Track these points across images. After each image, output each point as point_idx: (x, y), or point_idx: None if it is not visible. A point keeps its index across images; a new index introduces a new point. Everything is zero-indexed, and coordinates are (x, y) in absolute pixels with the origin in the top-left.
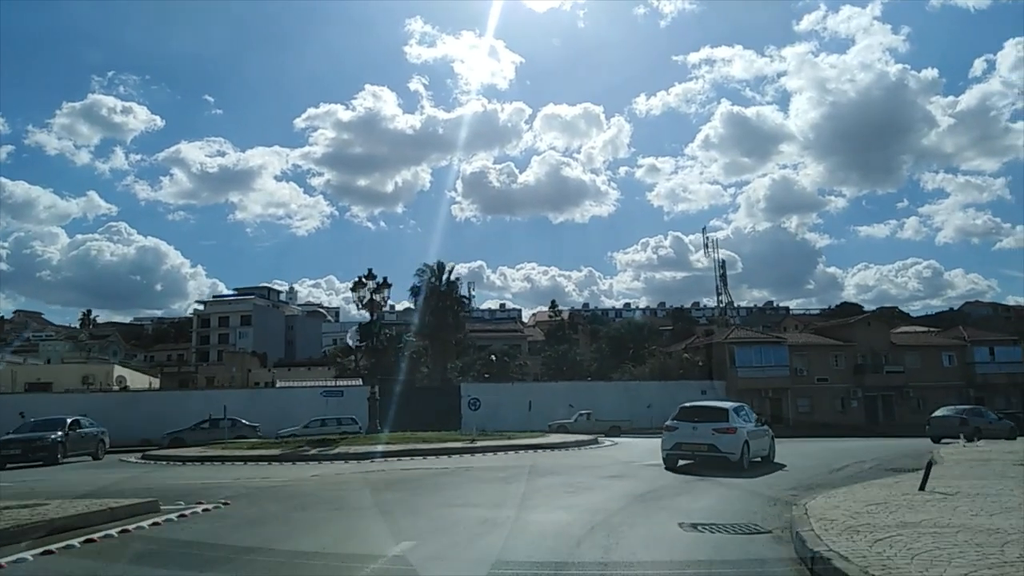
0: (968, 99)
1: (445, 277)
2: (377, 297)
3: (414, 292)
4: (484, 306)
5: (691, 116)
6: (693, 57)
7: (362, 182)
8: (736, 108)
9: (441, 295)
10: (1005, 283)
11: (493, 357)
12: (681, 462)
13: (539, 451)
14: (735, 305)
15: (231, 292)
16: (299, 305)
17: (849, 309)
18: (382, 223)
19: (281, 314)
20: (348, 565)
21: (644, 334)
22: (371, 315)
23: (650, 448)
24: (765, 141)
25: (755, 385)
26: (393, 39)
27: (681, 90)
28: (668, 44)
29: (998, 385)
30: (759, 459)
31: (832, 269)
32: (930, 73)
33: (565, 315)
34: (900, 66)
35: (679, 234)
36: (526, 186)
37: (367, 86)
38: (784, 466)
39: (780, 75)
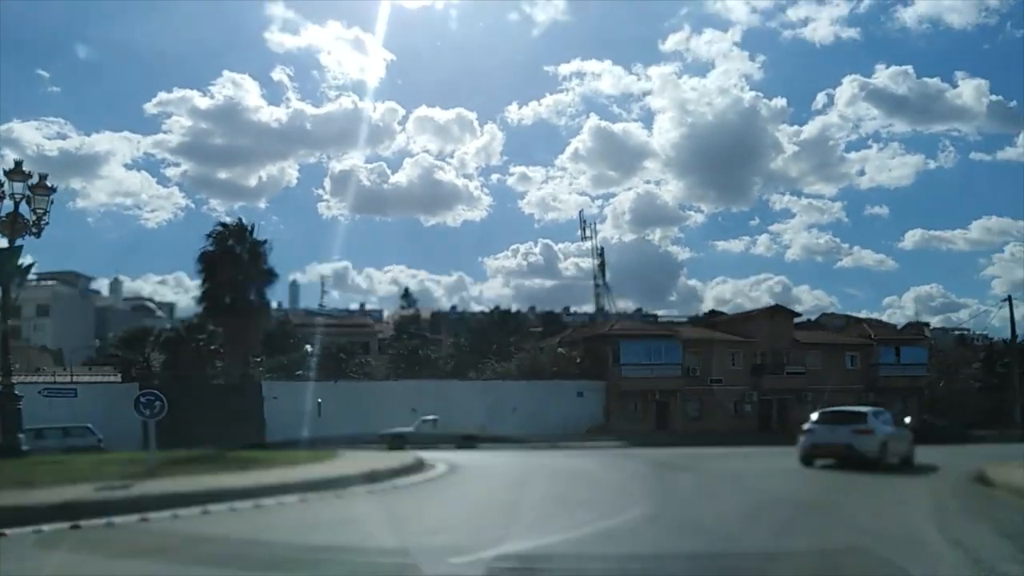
0: (811, 129)
1: (248, 242)
2: (31, 211)
3: (203, 260)
4: (352, 307)
5: (561, 128)
6: (564, 68)
7: (222, 175)
8: (604, 123)
9: (243, 266)
10: (844, 299)
11: (309, 347)
12: (818, 462)
13: (266, 506)
14: (609, 309)
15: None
16: (126, 299)
17: (717, 316)
18: (242, 219)
19: (91, 305)
20: None
21: (511, 326)
22: (10, 241)
23: (515, 477)
24: (631, 156)
25: (641, 386)
26: (252, 23)
27: (552, 101)
28: (540, 53)
29: (898, 389)
30: (896, 461)
31: (693, 281)
32: (779, 102)
33: (427, 314)
34: (754, 93)
35: (549, 242)
36: (398, 187)
37: (226, 72)
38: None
39: (645, 93)
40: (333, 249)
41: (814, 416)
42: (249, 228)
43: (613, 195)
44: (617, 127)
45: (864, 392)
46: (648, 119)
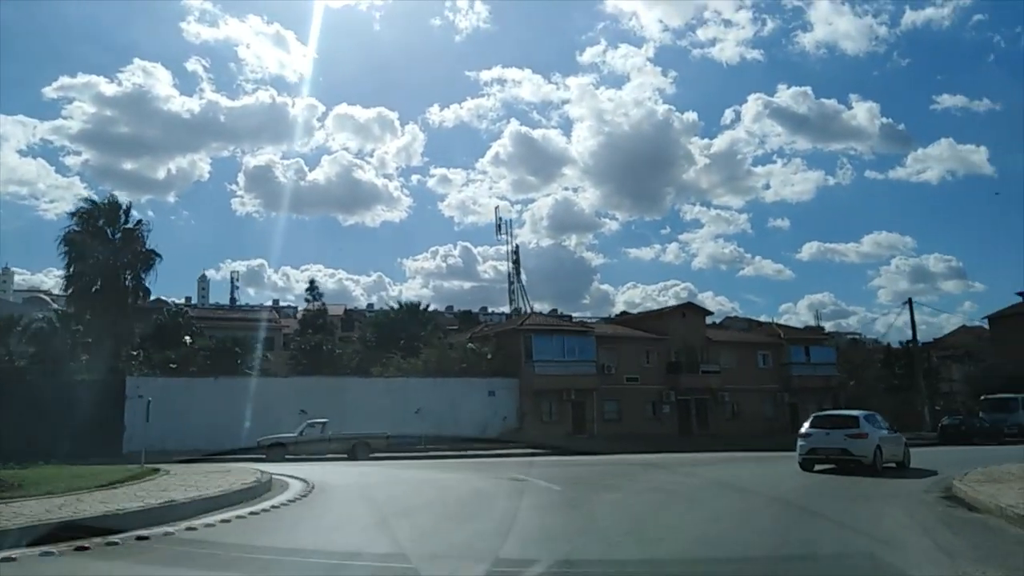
0: (720, 143)
1: (121, 224)
2: None
3: (66, 241)
4: (267, 304)
5: (482, 132)
6: (485, 75)
7: (128, 166)
8: (524, 129)
9: (114, 248)
10: (745, 305)
11: (188, 339)
12: (817, 466)
13: None
14: (524, 309)
15: None
16: (17, 291)
17: (628, 317)
18: (150, 212)
19: None
20: None
21: (421, 320)
22: None
23: (387, 504)
24: (550, 163)
25: (555, 384)
26: (167, 12)
27: (473, 105)
28: (462, 59)
29: (812, 389)
30: (893, 464)
31: (605, 286)
32: (691, 116)
33: (340, 311)
34: (667, 106)
35: (468, 245)
36: (315, 185)
37: (136, 60)
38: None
39: (564, 102)
40: (248, 246)
41: (807, 422)
42: (124, 208)
43: (532, 200)
44: (537, 133)
45: (780, 392)
46: (567, 127)
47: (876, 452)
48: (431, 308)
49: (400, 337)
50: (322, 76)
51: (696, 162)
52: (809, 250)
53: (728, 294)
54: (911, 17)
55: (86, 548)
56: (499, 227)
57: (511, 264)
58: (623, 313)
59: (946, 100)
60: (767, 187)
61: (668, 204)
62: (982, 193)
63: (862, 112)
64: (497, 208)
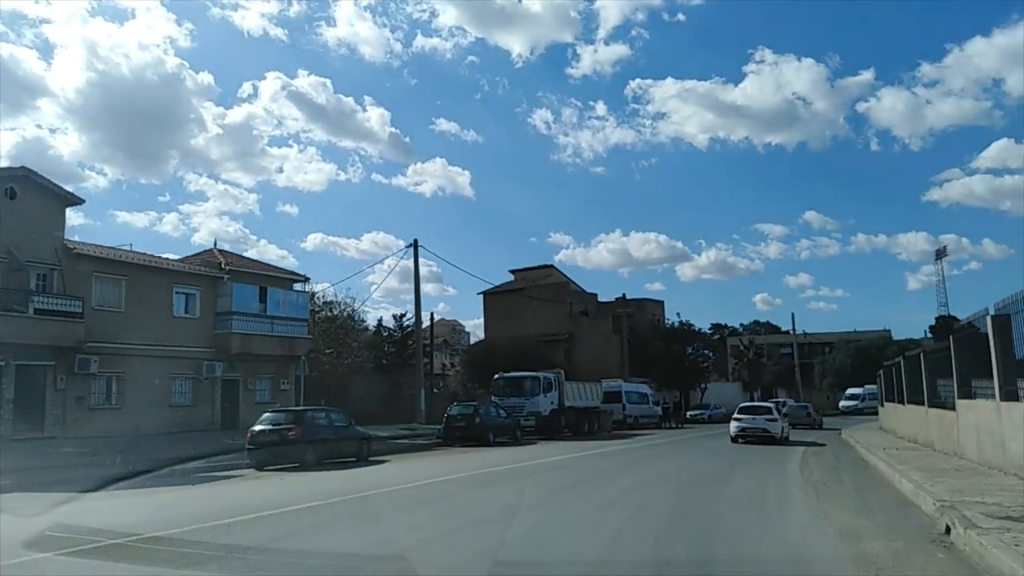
0: (235, 115)
1: None
2: None
3: None
4: None
5: None
6: None
7: None
8: None
9: None
10: None
11: None
12: (740, 440)
13: None
14: None
15: None
16: None
17: None
18: None
19: None
20: None
21: None
22: None
23: None
24: (18, 89)
25: None
26: None
27: None
28: None
29: (267, 358)
30: (786, 436)
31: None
32: (206, 78)
33: None
34: (179, 60)
35: None
36: None
37: None
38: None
39: (44, 21)
40: None
41: (737, 410)
42: None
43: None
44: (3, 49)
45: (212, 360)
46: (46, 51)
47: (782, 430)
48: None
49: None
50: None
51: (208, 129)
52: (314, 240)
53: None
54: (421, 42)
55: None
56: None
57: None
58: None
59: (443, 124)
60: (280, 170)
61: (170, 169)
62: (463, 210)
63: (375, 117)
64: None
